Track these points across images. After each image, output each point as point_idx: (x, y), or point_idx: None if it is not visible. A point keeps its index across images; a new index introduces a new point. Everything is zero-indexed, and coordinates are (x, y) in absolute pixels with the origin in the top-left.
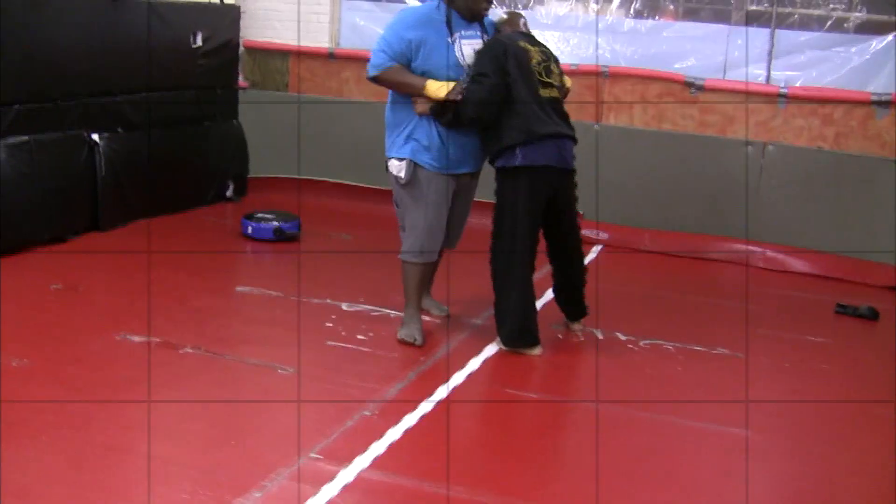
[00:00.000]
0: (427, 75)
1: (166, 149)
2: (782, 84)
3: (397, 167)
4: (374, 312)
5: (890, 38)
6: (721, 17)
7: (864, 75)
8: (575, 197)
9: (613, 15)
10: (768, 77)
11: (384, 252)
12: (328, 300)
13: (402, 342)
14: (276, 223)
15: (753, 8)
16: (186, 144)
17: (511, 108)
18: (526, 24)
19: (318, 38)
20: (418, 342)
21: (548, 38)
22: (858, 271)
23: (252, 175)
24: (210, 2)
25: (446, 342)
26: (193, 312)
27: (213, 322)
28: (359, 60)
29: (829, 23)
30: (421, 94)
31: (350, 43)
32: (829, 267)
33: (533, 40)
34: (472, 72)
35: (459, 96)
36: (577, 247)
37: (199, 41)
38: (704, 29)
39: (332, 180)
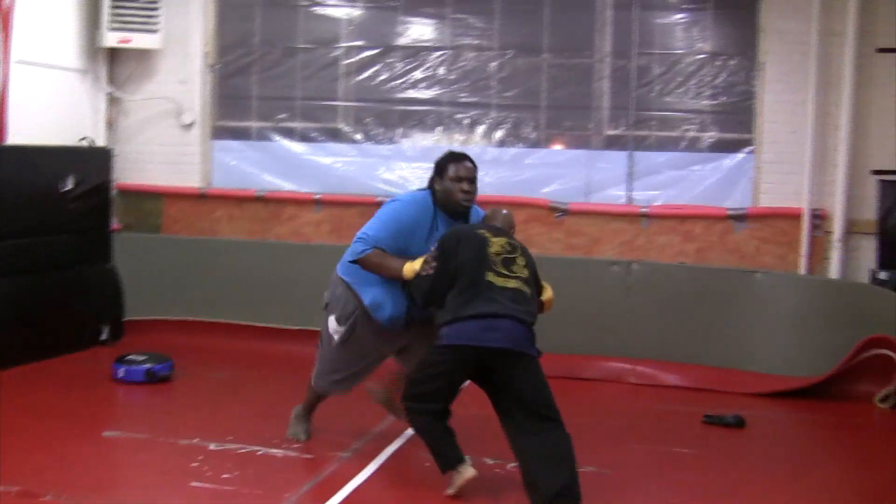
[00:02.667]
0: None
1: (38, 294)
2: (643, 204)
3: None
4: (241, 451)
5: (742, 154)
6: (581, 143)
7: (721, 191)
8: (529, 380)
9: (478, 145)
10: (630, 197)
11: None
12: (196, 440)
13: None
14: (147, 365)
15: (611, 132)
16: (58, 289)
17: (453, 293)
18: (504, 219)
19: (189, 178)
20: (301, 439)
21: (414, 169)
22: (726, 381)
23: (128, 317)
24: (80, 146)
25: (311, 478)
26: (58, 459)
27: (76, 468)
28: (230, 199)
29: (684, 143)
30: (400, 277)
31: (222, 182)
32: (698, 378)
33: (500, 232)
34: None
35: (428, 269)
36: (537, 431)
37: (70, 185)
38: (566, 154)
39: (208, 319)
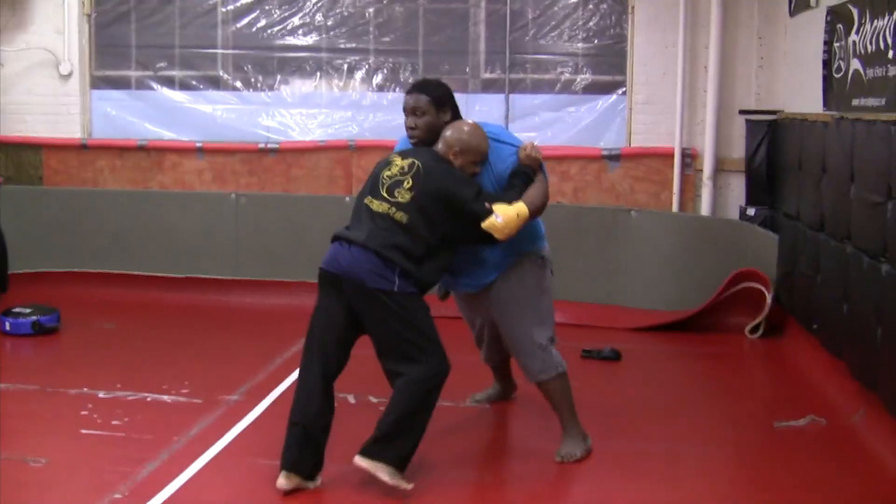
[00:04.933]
0: None
1: None
2: None
3: None
4: (130, 398)
5: (614, 96)
6: (458, 86)
7: (595, 132)
8: (377, 322)
9: (357, 90)
10: None
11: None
12: (85, 389)
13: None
14: (34, 317)
15: (488, 76)
16: None
17: None
18: (447, 136)
19: (70, 129)
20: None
21: (294, 115)
22: (603, 316)
23: (12, 270)
24: None
25: (200, 421)
26: None
27: None
28: (113, 149)
29: (559, 86)
30: None
31: (103, 133)
32: (576, 315)
33: (415, 153)
34: None
35: None
36: (400, 382)
37: None
38: None
39: (93, 270)
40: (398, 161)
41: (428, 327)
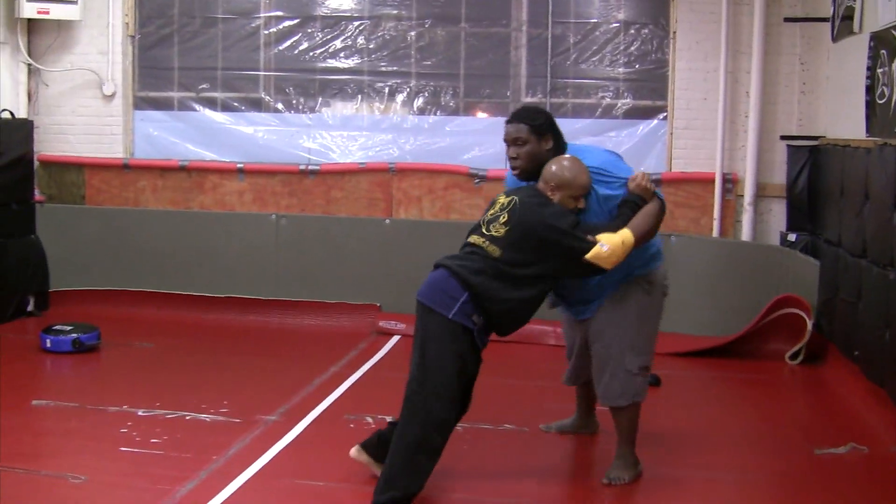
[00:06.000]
0: None
1: None
2: None
3: None
4: (169, 416)
5: (655, 121)
6: (499, 110)
7: (636, 157)
8: (416, 349)
9: (398, 113)
10: None
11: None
12: (125, 407)
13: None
14: (74, 335)
15: (529, 100)
16: None
17: None
18: (544, 173)
19: (112, 149)
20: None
21: (335, 138)
22: None
23: (54, 288)
24: (1, 118)
25: (239, 440)
26: None
27: (6, 438)
28: (154, 170)
29: (600, 110)
30: None
31: (144, 153)
32: None
33: (518, 191)
34: None
35: None
36: (405, 410)
37: None
38: (485, 122)
39: (133, 289)
40: (501, 199)
41: (446, 375)
